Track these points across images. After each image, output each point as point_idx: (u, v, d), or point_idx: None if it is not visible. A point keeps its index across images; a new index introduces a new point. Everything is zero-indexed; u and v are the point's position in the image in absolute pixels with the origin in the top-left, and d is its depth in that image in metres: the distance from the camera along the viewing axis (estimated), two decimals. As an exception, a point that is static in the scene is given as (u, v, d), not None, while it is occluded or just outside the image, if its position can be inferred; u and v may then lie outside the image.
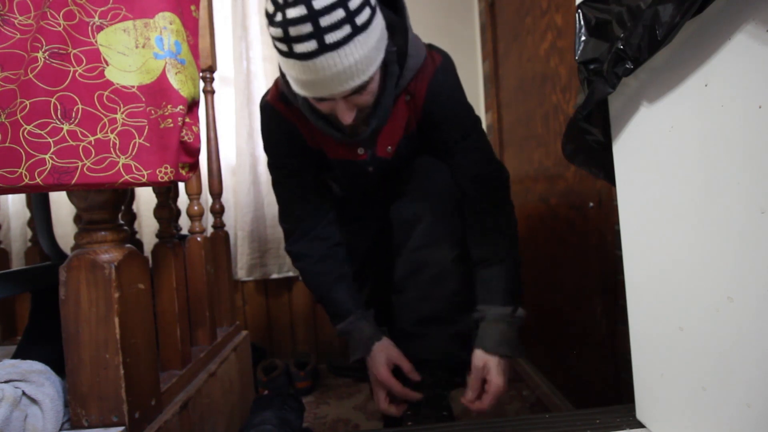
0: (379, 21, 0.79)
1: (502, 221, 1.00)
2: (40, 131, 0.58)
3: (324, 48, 0.71)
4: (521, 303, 0.97)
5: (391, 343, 1.00)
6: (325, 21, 0.70)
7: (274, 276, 1.92)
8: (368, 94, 0.85)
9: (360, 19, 0.73)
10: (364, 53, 0.75)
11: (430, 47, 1.00)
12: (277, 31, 0.72)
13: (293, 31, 0.71)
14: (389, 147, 1.01)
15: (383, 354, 0.97)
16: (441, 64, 0.98)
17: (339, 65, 0.74)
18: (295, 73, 0.77)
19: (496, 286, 0.96)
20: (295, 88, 0.81)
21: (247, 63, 1.87)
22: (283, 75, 0.94)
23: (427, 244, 0.98)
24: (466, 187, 1.01)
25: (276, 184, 1.09)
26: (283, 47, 0.74)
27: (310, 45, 0.71)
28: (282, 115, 1.00)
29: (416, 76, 0.96)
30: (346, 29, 0.72)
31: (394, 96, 0.93)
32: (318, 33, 0.70)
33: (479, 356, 0.93)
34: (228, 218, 1.88)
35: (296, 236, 1.08)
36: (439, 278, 0.97)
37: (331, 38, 0.71)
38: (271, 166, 1.07)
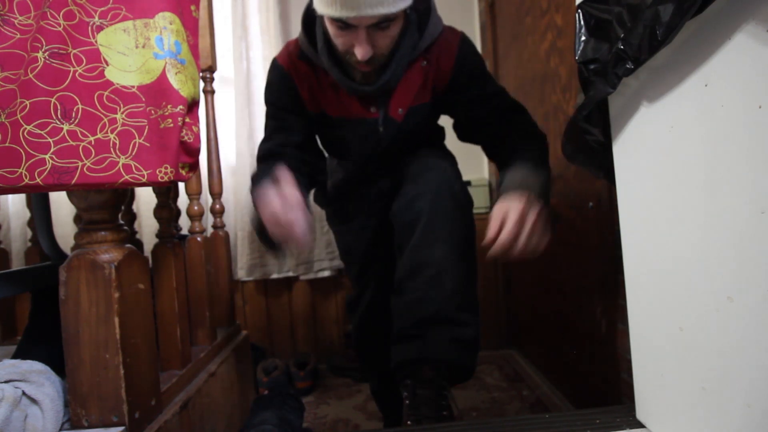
0: None
1: (533, 136, 1.01)
2: (40, 131, 0.58)
3: None
4: (546, 196, 0.86)
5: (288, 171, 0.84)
6: None
7: (274, 276, 1.92)
8: (388, 37, 0.88)
9: None
10: None
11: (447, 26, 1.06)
12: None
13: None
14: (401, 109, 1.04)
15: (272, 180, 0.82)
16: (463, 35, 1.04)
17: None
18: None
19: (525, 157, 0.92)
20: (323, 7, 0.83)
21: (247, 63, 1.87)
22: (305, 26, 0.98)
23: (425, 244, 0.97)
24: (498, 124, 1.04)
25: (264, 140, 1.09)
26: None
27: None
28: (283, 69, 1.04)
29: (436, 44, 1.00)
30: None
31: (411, 59, 0.97)
32: None
33: (498, 202, 0.82)
34: (228, 218, 1.88)
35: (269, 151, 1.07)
36: (437, 279, 0.97)
37: None
38: (267, 116, 1.09)
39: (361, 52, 0.85)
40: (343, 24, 0.84)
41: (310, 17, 1.00)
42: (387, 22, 0.85)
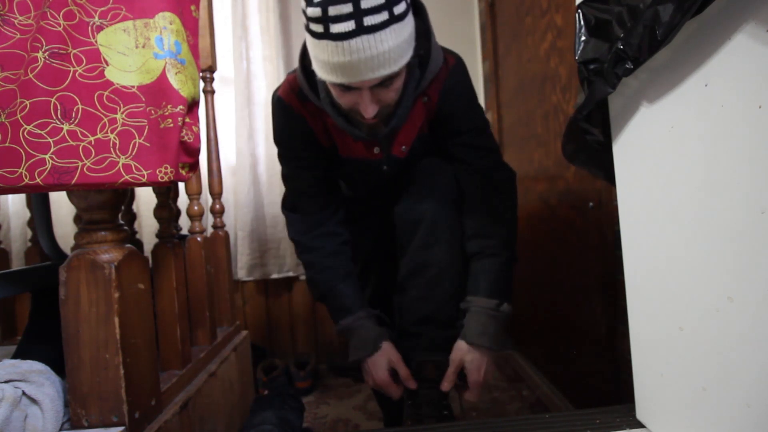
0: (411, 18, 0.81)
1: (500, 217, 1.01)
2: (40, 131, 0.58)
3: (361, 29, 0.73)
4: (509, 299, 0.99)
5: (393, 346, 1.00)
6: (365, 3, 0.72)
7: (274, 276, 1.92)
8: (393, 90, 0.86)
9: (397, 10, 0.75)
10: (397, 42, 0.77)
11: (443, 50, 1.02)
12: (315, 11, 0.73)
13: (333, 10, 0.72)
14: (404, 147, 1.03)
15: (385, 357, 0.98)
16: (454, 66, 1.01)
17: (373, 49, 0.75)
18: (326, 56, 0.77)
19: (484, 278, 0.98)
20: (323, 74, 0.81)
21: (247, 63, 1.87)
22: (303, 69, 0.95)
23: (428, 244, 0.98)
24: (471, 184, 1.02)
25: (286, 177, 1.09)
26: (319, 28, 0.74)
27: (349, 25, 0.72)
28: (293, 109, 1.02)
29: (434, 79, 0.98)
30: (384, 15, 0.74)
31: (414, 98, 0.95)
32: (357, 14, 0.72)
33: (457, 347, 0.96)
34: (228, 218, 1.88)
35: (304, 227, 1.07)
36: (438, 278, 0.98)
37: (369, 21, 0.73)
38: (282, 157, 1.08)
39: (367, 113, 0.84)
40: (345, 87, 0.83)
41: (306, 60, 0.97)
42: (390, 80, 0.83)
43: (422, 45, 0.92)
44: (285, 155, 1.07)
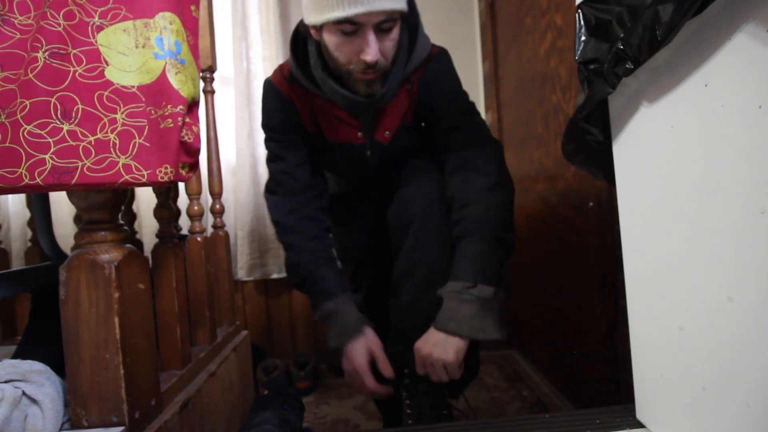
0: None
1: (485, 198, 0.95)
2: (40, 131, 0.58)
3: None
4: (490, 280, 0.90)
5: (374, 332, 0.98)
6: None
7: (274, 276, 1.92)
8: (391, 40, 0.88)
9: None
10: None
11: (432, 45, 1.04)
12: None
13: None
14: (387, 132, 1.04)
15: (365, 343, 0.96)
16: (435, 54, 1.03)
17: None
18: None
19: (458, 261, 0.93)
20: (328, 11, 0.82)
21: (247, 63, 1.87)
22: (294, 52, 0.98)
23: (418, 246, 0.98)
24: (458, 162, 1.01)
25: (271, 159, 1.10)
26: None
27: None
28: (282, 93, 1.04)
29: (419, 67, 1.00)
30: None
31: (400, 80, 0.97)
32: None
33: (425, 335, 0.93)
34: (228, 218, 1.88)
35: (286, 208, 1.07)
36: (429, 280, 0.97)
37: None
38: (269, 140, 1.09)
39: (371, 53, 0.84)
40: (349, 25, 0.83)
41: (298, 40, 1.00)
42: (390, 23, 0.84)
43: (412, 16, 0.94)
44: (272, 137, 1.08)
